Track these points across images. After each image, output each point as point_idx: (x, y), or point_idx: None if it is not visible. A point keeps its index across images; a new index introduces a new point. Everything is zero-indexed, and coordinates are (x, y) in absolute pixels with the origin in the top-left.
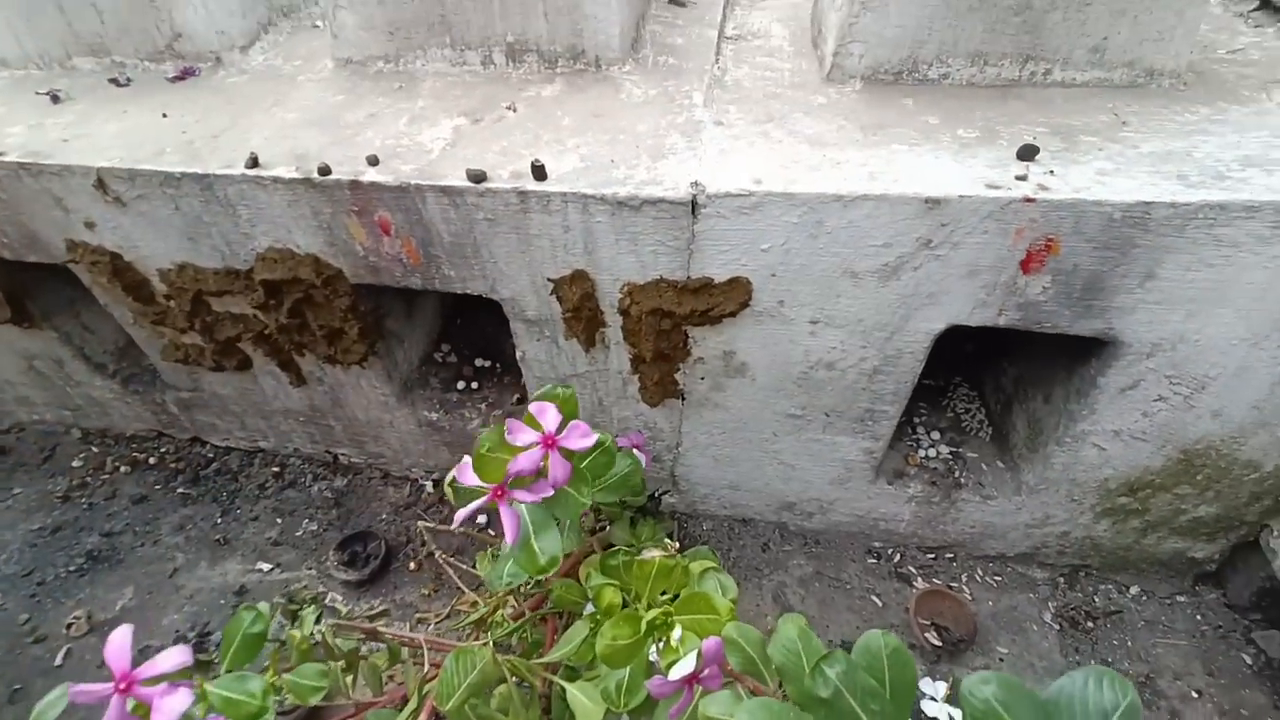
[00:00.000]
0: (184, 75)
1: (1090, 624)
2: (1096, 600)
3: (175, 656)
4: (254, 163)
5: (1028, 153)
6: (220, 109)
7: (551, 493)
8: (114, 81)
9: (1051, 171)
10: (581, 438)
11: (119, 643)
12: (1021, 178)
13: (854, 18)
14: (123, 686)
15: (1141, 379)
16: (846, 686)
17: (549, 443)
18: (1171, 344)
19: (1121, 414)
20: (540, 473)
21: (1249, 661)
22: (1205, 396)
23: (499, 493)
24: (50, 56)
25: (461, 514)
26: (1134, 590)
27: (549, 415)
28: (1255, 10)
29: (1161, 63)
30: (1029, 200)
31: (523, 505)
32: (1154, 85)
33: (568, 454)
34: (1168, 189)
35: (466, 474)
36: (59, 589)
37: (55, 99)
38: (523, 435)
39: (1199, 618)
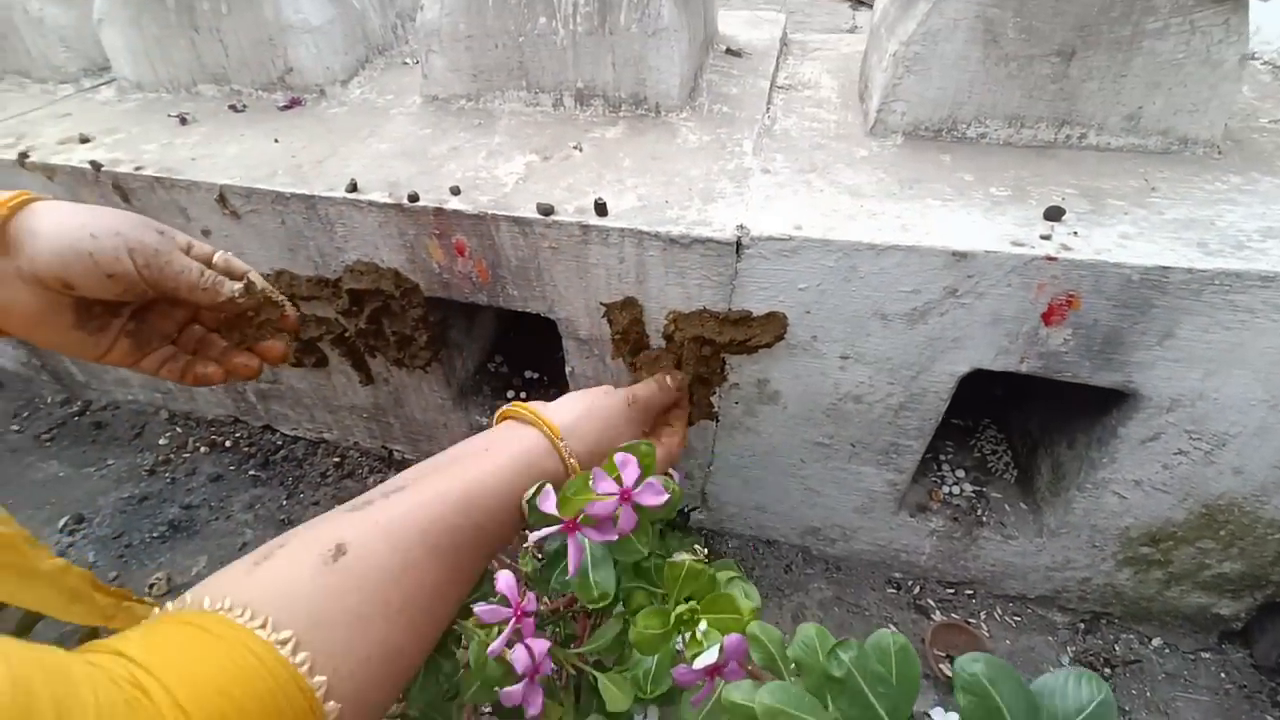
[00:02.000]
0: (292, 104)
1: (1109, 671)
2: (1117, 648)
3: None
4: (353, 188)
5: (1054, 213)
6: (323, 137)
7: (616, 538)
8: (232, 107)
9: (1075, 232)
10: (654, 495)
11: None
12: (1046, 237)
13: (898, 79)
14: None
15: (1162, 432)
16: (858, 670)
17: (624, 496)
18: (1191, 400)
19: (1142, 464)
20: (612, 518)
21: None
22: (1226, 453)
23: (570, 527)
24: (179, 82)
25: (534, 536)
26: (1156, 642)
27: (629, 469)
28: None
29: (1195, 132)
30: (1051, 259)
31: (587, 541)
32: (1187, 153)
33: (638, 508)
34: (1186, 255)
35: (547, 502)
36: (144, 552)
37: (183, 121)
38: (604, 485)
39: (1223, 675)
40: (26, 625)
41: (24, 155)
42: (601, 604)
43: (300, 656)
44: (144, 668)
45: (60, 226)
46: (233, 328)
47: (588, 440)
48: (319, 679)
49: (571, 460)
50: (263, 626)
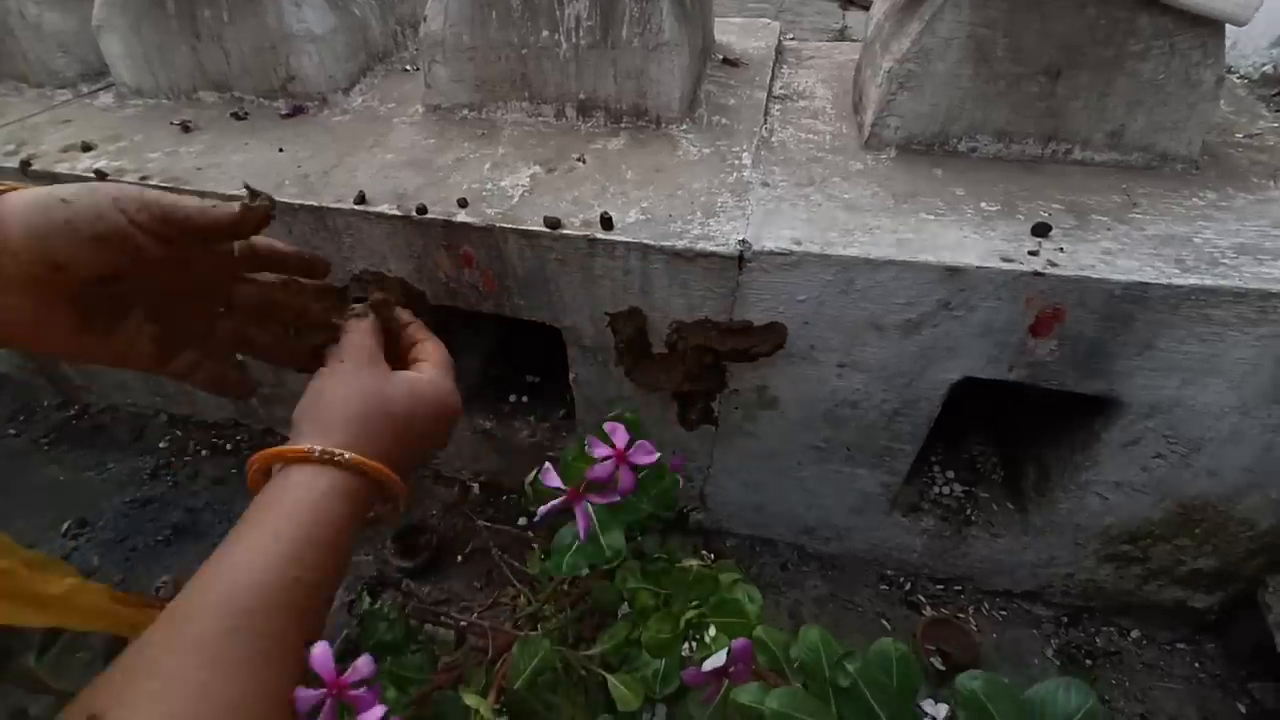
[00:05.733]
0: (295, 112)
1: (1089, 662)
2: (1098, 640)
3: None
4: (361, 199)
5: (1041, 230)
6: (328, 147)
7: (619, 499)
8: (234, 115)
9: (1061, 249)
10: (646, 454)
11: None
12: (1034, 253)
13: (892, 95)
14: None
15: (1141, 437)
16: (862, 679)
17: (619, 457)
18: (1168, 407)
19: (1122, 467)
20: (611, 481)
21: (1244, 710)
22: (1201, 457)
23: (574, 495)
24: (179, 89)
25: (543, 510)
26: (1135, 634)
27: (619, 434)
28: (1277, 95)
29: (1175, 148)
30: (1039, 274)
31: (591, 507)
32: (1167, 168)
33: (634, 467)
34: (1165, 271)
35: (550, 478)
36: (149, 555)
37: (186, 128)
38: (599, 449)
39: (1197, 665)
40: (49, 641)
41: (26, 163)
42: (615, 562)
43: None
44: None
45: (27, 203)
46: (269, 316)
47: (355, 433)
48: None
49: (347, 455)
50: None
